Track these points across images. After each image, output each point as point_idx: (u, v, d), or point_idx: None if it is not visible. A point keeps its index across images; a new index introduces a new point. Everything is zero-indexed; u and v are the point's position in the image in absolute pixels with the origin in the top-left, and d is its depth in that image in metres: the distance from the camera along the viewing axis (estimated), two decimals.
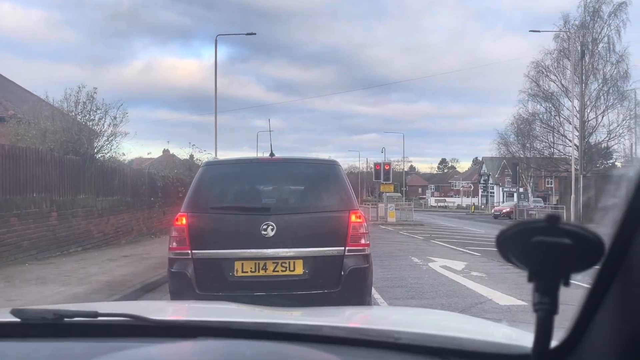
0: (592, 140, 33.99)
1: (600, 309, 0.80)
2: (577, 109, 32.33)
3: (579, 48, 32.28)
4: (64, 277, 8.28)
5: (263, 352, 0.83)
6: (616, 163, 35.92)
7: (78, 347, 0.98)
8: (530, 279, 0.74)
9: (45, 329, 1.19)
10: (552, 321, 0.74)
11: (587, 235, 0.70)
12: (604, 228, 0.74)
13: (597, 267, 0.76)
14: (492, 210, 46.90)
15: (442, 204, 76.06)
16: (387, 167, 28.54)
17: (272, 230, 4.81)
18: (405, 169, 78.64)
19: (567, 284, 0.73)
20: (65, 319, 1.15)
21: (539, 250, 0.71)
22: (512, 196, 45.01)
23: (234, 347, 0.82)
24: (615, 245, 0.73)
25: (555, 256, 0.71)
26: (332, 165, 5.43)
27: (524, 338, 1.15)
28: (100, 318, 1.17)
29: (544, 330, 0.74)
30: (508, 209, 40.97)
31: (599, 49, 32.71)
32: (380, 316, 2.25)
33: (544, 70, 34.94)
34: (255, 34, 24.19)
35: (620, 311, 0.76)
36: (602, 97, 33.05)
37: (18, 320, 1.17)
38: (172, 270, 4.90)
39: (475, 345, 1.12)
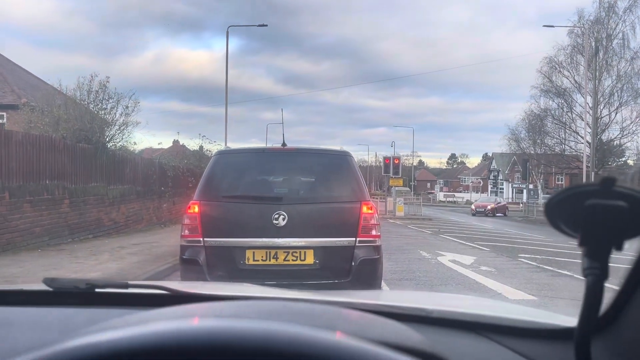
0: (605, 137, 33.73)
1: None
2: (590, 105, 32.04)
3: (593, 44, 31.95)
4: (75, 264, 8.39)
5: (312, 309, 0.82)
6: (628, 161, 35.59)
7: (114, 314, 1.00)
8: (581, 244, 0.73)
9: (76, 299, 1.20)
10: (602, 287, 0.73)
11: None
12: None
13: None
14: (473, 206, 40.04)
15: (450, 199, 75.53)
16: (396, 161, 28.42)
17: (283, 219, 4.84)
18: (414, 164, 78.35)
19: (619, 248, 0.72)
20: (97, 289, 1.17)
21: (591, 214, 0.70)
22: (522, 192, 44.11)
23: (278, 304, 0.82)
24: None
25: (608, 220, 0.70)
26: (344, 155, 5.42)
27: (561, 318, 1.13)
28: (131, 290, 1.19)
29: (593, 296, 0.73)
30: (493, 205, 38.36)
31: (613, 45, 32.46)
32: (404, 295, 2.22)
33: (557, 65, 34.73)
34: (266, 25, 24.16)
35: None
36: (615, 94, 32.83)
37: (50, 289, 1.18)
38: (184, 257, 4.94)
39: (511, 322, 1.09)
